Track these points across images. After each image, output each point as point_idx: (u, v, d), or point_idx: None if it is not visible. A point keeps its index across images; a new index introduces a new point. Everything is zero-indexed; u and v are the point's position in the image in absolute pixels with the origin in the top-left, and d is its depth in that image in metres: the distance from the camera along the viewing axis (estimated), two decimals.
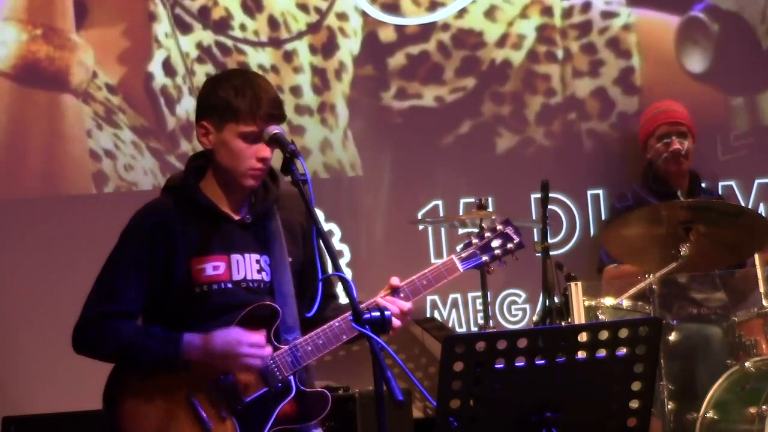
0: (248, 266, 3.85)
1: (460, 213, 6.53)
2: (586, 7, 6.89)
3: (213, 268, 3.81)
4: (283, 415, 3.78)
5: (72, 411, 5.59)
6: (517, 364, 3.40)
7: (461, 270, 3.92)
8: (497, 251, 3.95)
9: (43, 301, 6.12)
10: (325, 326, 3.79)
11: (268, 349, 3.75)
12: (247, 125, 3.78)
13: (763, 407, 5.32)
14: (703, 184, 6.49)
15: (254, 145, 3.79)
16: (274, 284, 3.86)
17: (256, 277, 3.85)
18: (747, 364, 5.51)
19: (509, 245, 3.96)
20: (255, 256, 3.86)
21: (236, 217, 3.87)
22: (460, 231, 6.47)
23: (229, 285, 3.82)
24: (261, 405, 3.77)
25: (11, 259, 6.17)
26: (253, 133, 3.78)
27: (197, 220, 3.84)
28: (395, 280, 3.84)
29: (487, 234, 3.96)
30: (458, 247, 4.00)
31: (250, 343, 3.73)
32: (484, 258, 3.94)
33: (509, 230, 3.97)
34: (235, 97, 3.78)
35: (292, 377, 3.79)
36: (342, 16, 6.67)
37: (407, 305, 3.83)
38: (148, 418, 3.76)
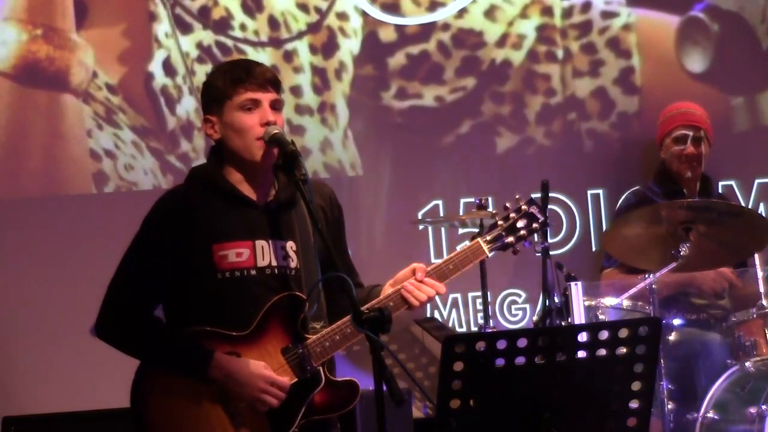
0: (273, 252, 3.81)
1: (460, 213, 6.53)
2: (586, 7, 6.89)
3: (236, 254, 3.78)
4: (314, 406, 3.77)
5: (72, 411, 5.60)
6: (517, 363, 3.39)
7: (488, 253, 3.87)
8: (523, 231, 3.90)
9: (43, 301, 6.12)
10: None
11: (284, 394, 3.73)
12: (240, 95, 3.78)
13: (763, 407, 5.32)
14: (716, 188, 6.51)
15: (255, 113, 3.78)
16: (302, 270, 3.83)
17: (282, 263, 3.82)
18: (747, 364, 5.51)
19: (534, 224, 3.91)
20: (280, 242, 3.82)
21: (260, 203, 3.85)
22: (460, 231, 6.47)
23: (253, 272, 3.79)
24: (291, 396, 3.74)
25: (11, 259, 6.17)
26: (249, 100, 3.78)
27: (220, 205, 3.81)
28: (420, 273, 3.79)
29: (512, 215, 3.91)
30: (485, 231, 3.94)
31: (272, 381, 3.72)
32: (510, 239, 3.89)
33: (534, 209, 3.92)
34: (225, 78, 3.81)
35: (321, 368, 3.77)
36: (342, 16, 6.67)
37: (441, 287, 3.81)
38: (177, 413, 3.74)
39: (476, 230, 5.65)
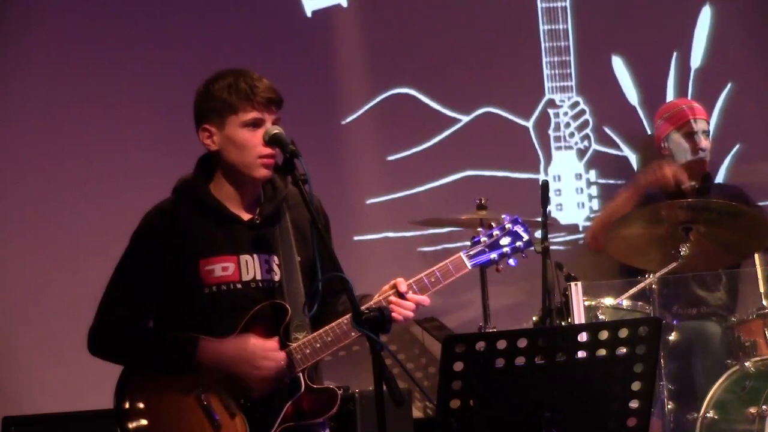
0: (257, 266, 3.87)
1: (460, 213, 6.53)
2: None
3: (222, 269, 3.84)
4: (292, 412, 3.80)
5: (71, 411, 5.59)
6: (517, 364, 3.40)
7: (469, 267, 3.91)
8: (506, 249, 3.95)
9: (43, 302, 6.11)
10: (333, 324, 3.81)
11: (281, 354, 3.77)
12: (247, 113, 3.82)
13: (763, 407, 5.32)
14: (717, 181, 6.50)
15: (259, 132, 3.82)
16: (284, 283, 3.87)
17: (266, 276, 3.87)
18: (747, 364, 5.51)
19: (518, 243, 3.96)
20: (264, 256, 3.88)
21: (245, 218, 3.90)
22: (458, 231, 6.47)
23: (239, 285, 3.85)
24: (270, 402, 3.78)
25: (12, 259, 6.17)
26: (254, 119, 3.83)
27: (206, 221, 3.87)
28: (402, 286, 3.82)
29: (496, 231, 3.96)
30: (468, 244, 3.98)
31: (263, 347, 3.76)
32: (493, 255, 3.94)
33: (518, 228, 3.97)
34: (230, 91, 3.84)
35: (300, 374, 3.81)
36: None
37: (424, 300, 3.83)
38: (159, 418, 3.76)
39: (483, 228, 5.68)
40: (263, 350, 3.76)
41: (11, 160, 6.23)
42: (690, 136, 6.28)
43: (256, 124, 3.83)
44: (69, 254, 6.18)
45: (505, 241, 3.95)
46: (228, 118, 3.84)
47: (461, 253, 3.93)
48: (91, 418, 5.49)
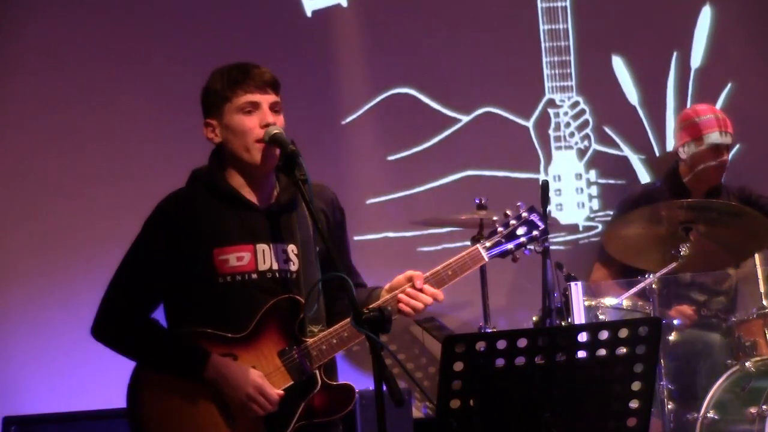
0: (274, 256, 3.82)
1: (460, 213, 6.53)
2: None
3: (237, 258, 3.78)
4: (309, 409, 3.77)
5: (72, 411, 5.60)
6: (517, 363, 3.39)
7: (486, 259, 3.89)
8: (523, 239, 3.92)
9: (43, 302, 6.11)
10: (347, 320, 3.76)
11: (274, 403, 3.72)
12: (239, 97, 3.80)
13: (763, 407, 5.32)
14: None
15: (255, 115, 3.79)
16: (301, 274, 3.83)
17: (283, 267, 3.82)
18: (747, 364, 5.51)
19: (534, 232, 3.93)
20: (281, 246, 3.83)
21: (262, 207, 3.85)
22: (460, 231, 6.47)
23: (254, 276, 3.79)
24: (287, 399, 3.74)
25: (11, 260, 6.17)
26: (248, 102, 3.79)
27: (222, 209, 3.82)
28: (419, 282, 3.80)
29: (512, 221, 3.93)
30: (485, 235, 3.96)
31: (262, 391, 3.71)
32: (510, 246, 3.91)
33: (534, 217, 3.95)
34: (223, 82, 3.83)
35: (317, 371, 3.77)
36: None
37: (438, 294, 3.81)
38: (173, 413, 3.74)
39: (476, 230, 5.68)
40: (260, 392, 3.70)
41: (11, 159, 6.23)
42: (700, 149, 6.22)
43: (251, 107, 3.79)
44: (69, 254, 6.18)
45: (522, 230, 3.93)
46: (224, 108, 3.82)
47: (478, 245, 3.89)
48: (91, 418, 5.49)
